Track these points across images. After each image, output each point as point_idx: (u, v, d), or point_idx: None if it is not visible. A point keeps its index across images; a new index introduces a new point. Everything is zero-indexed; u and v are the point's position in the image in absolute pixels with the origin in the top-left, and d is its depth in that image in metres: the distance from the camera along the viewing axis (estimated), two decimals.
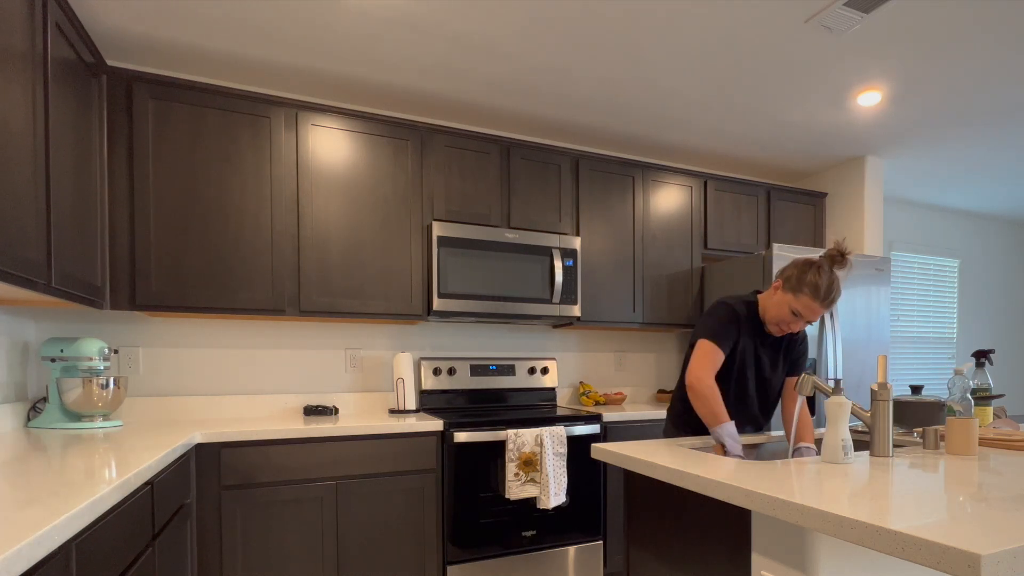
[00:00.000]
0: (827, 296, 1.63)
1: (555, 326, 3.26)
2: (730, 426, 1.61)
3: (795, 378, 1.86)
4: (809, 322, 1.68)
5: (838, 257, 1.65)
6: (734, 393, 1.79)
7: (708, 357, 1.68)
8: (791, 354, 1.85)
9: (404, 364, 2.75)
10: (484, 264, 2.69)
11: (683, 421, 1.89)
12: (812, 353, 3.09)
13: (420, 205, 2.68)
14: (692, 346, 1.78)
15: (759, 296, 1.81)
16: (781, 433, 1.88)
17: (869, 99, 2.81)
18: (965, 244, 4.95)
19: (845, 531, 0.86)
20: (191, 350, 2.58)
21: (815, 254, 3.11)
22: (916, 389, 1.89)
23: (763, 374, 1.82)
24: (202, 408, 2.59)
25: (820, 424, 3.10)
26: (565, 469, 2.51)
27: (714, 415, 1.62)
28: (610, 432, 2.75)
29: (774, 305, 1.71)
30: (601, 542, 2.70)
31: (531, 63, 2.47)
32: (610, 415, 2.76)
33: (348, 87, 2.68)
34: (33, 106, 1.60)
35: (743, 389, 1.80)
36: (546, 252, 2.82)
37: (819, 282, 1.62)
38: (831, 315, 3.12)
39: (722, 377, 1.75)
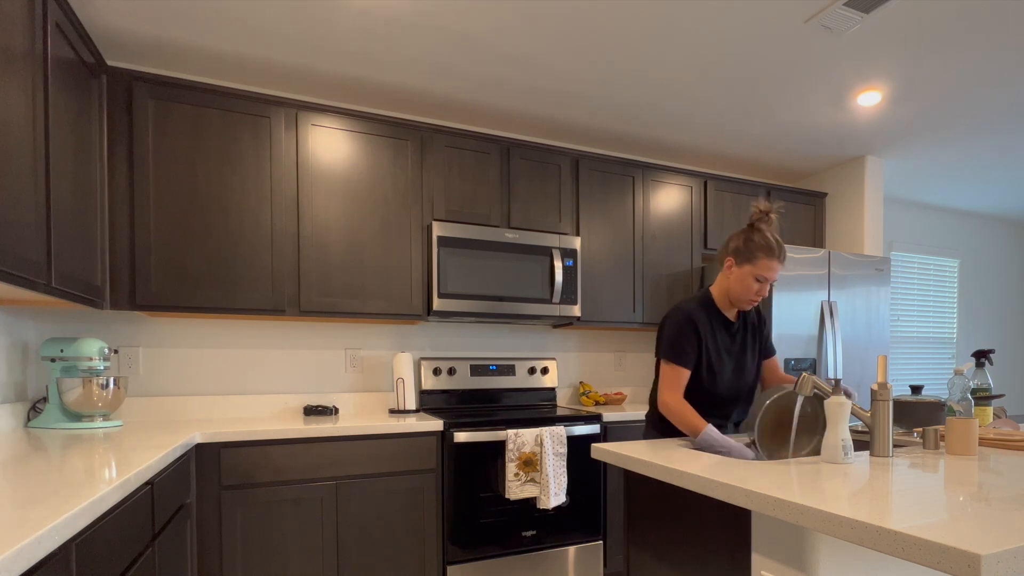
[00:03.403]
0: (780, 251, 1.67)
1: (555, 326, 3.26)
2: (710, 429, 1.59)
3: (770, 361, 1.90)
4: (771, 283, 1.70)
5: (765, 217, 1.69)
6: (707, 385, 1.76)
7: (670, 380, 1.71)
8: (759, 335, 1.87)
9: (404, 364, 2.75)
10: (484, 264, 2.69)
11: (663, 427, 1.85)
12: (812, 353, 3.09)
13: (420, 205, 2.68)
14: (658, 362, 1.79)
15: (711, 289, 1.81)
16: None
17: (869, 99, 2.81)
18: (965, 244, 4.96)
19: (845, 531, 0.86)
20: (191, 350, 2.58)
21: (816, 254, 3.11)
22: (916, 389, 1.89)
23: (737, 360, 1.81)
24: (202, 408, 2.59)
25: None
26: (565, 469, 2.51)
27: (692, 427, 1.62)
28: (610, 432, 2.75)
29: (736, 282, 1.71)
30: (601, 542, 2.70)
31: (531, 63, 2.47)
32: (610, 415, 2.76)
33: (348, 87, 2.68)
34: (33, 106, 1.60)
35: (719, 381, 1.77)
36: (546, 252, 2.82)
37: (767, 241, 1.66)
38: (831, 315, 3.12)
39: (697, 381, 1.75)
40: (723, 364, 1.77)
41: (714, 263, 3.34)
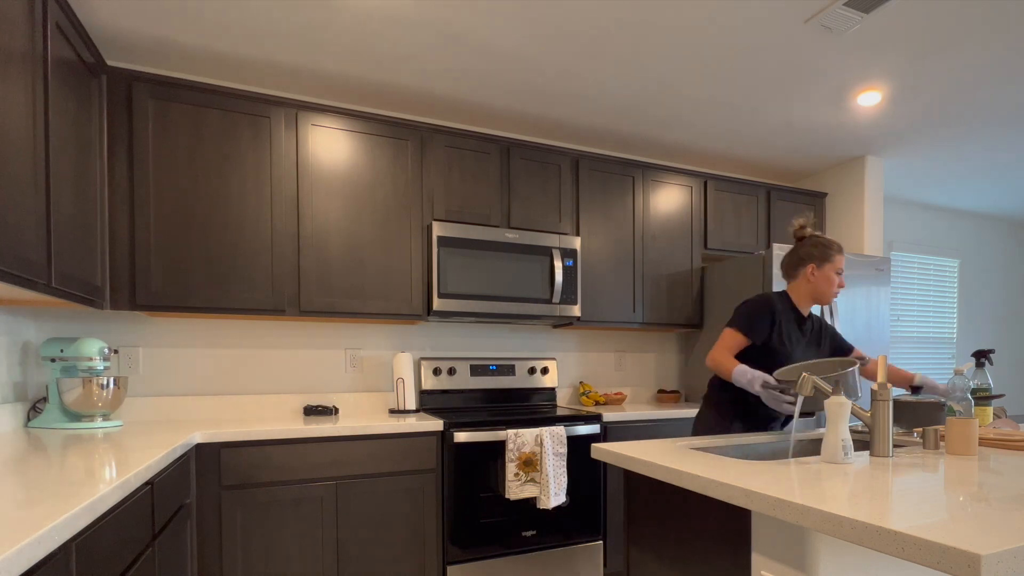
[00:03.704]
0: (840, 247, 1.95)
1: (555, 326, 3.26)
2: (738, 368, 1.79)
3: (860, 355, 2.04)
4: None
5: (810, 227, 2.00)
6: (783, 363, 1.88)
7: (725, 343, 1.90)
8: (826, 337, 2.06)
9: (404, 364, 2.75)
10: (484, 264, 2.69)
11: (723, 406, 1.99)
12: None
13: (420, 205, 2.68)
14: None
15: (787, 291, 2.00)
16: (780, 433, 1.89)
17: (869, 99, 2.81)
18: (965, 244, 4.95)
19: (845, 531, 0.86)
20: (191, 350, 2.58)
21: None
22: (916, 389, 1.89)
23: (807, 353, 1.96)
24: (202, 408, 2.59)
25: (820, 424, 3.10)
26: (565, 469, 2.51)
27: (727, 371, 1.83)
28: (610, 432, 2.75)
29: (823, 282, 1.92)
30: (601, 542, 2.69)
31: (532, 63, 2.47)
32: (610, 415, 2.76)
33: (348, 87, 2.68)
34: (33, 106, 1.60)
35: (792, 361, 1.89)
36: (546, 252, 2.82)
37: (832, 241, 1.94)
38: (831, 315, 3.12)
39: (770, 362, 1.85)
40: (796, 349, 1.92)
41: (714, 263, 3.34)
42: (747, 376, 1.77)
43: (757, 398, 1.80)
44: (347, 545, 2.24)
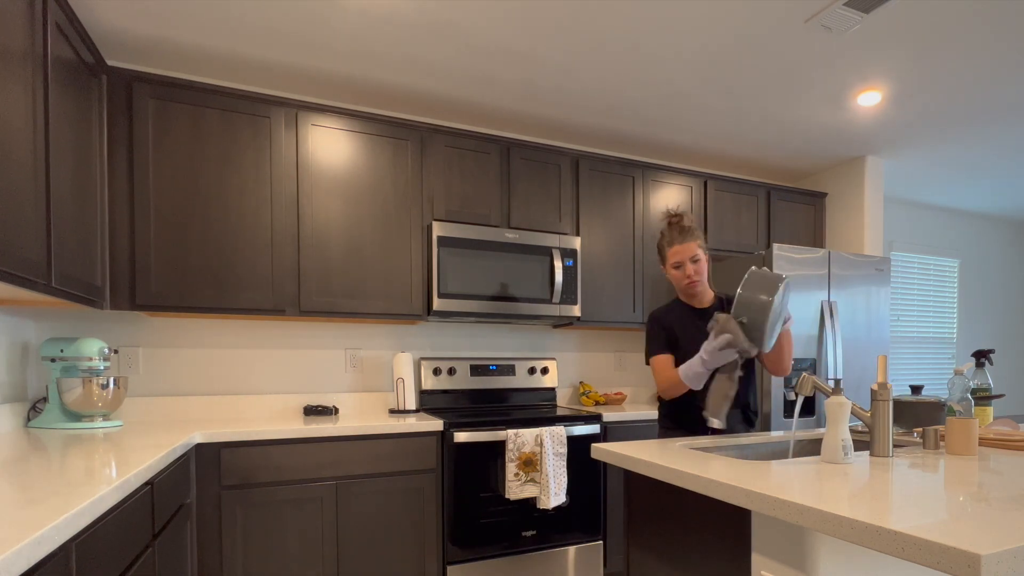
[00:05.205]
0: (679, 235, 1.84)
1: (555, 326, 3.26)
2: (680, 371, 1.77)
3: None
4: (695, 262, 1.84)
5: (674, 218, 1.89)
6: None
7: (659, 372, 1.89)
8: None
9: (404, 364, 2.75)
10: (484, 264, 2.69)
11: (671, 423, 1.97)
12: (812, 353, 3.10)
13: (420, 205, 2.68)
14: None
15: (676, 297, 2.01)
16: (781, 432, 1.89)
17: (869, 99, 2.81)
18: (965, 244, 4.95)
19: (845, 531, 0.86)
20: (191, 350, 2.58)
21: (816, 254, 3.11)
22: (916, 389, 1.89)
23: None
24: (202, 408, 2.59)
25: (820, 424, 3.10)
26: (565, 469, 2.51)
27: (680, 381, 1.78)
28: (610, 432, 2.75)
29: (671, 279, 1.92)
30: (601, 542, 2.69)
31: (532, 63, 2.47)
32: (610, 415, 2.76)
33: (348, 87, 2.68)
34: (33, 106, 1.60)
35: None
36: (546, 252, 2.82)
37: (664, 236, 1.89)
38: (831, 315, 3.12)
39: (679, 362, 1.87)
40: (702, 340, 1.83)
41: (714, 263, 3.33)
42: (691, 368, 1.73)
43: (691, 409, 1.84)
44: (347, 545, 2.24)
